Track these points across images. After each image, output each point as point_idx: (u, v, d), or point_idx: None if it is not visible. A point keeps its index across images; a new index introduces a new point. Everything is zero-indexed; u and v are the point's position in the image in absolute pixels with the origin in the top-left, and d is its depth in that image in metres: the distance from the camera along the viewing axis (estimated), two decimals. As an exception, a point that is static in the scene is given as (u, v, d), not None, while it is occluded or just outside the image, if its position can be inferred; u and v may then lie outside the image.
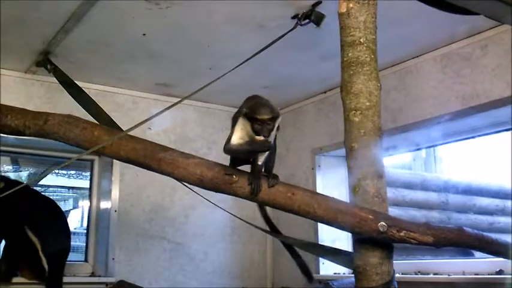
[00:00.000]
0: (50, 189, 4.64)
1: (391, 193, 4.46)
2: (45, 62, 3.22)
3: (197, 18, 2.80)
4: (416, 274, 3.30)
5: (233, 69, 2.30)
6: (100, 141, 1.97)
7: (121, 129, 2.41)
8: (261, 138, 1.83)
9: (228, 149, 1.90)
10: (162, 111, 2.10)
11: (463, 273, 3.02)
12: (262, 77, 3.65)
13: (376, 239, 1.82)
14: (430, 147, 3.65)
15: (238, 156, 1.96)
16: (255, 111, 1.84)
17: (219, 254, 4.17)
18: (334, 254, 2.43)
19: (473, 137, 3.25)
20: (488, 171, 5.02)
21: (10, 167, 4.32)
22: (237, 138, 1.89)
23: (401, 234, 1.79)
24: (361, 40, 1.95)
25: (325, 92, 3.98)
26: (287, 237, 2.47)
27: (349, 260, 1.97)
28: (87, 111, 2.86)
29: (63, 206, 4.62)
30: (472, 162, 4.93)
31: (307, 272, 2.42)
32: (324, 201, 1.86)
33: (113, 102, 3.88)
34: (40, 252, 3.12)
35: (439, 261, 3.40)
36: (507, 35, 2.81)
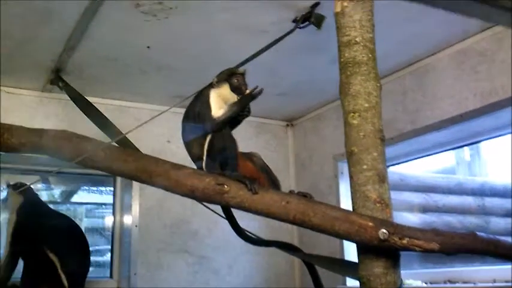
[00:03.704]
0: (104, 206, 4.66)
1: (421, 198, 4.34)
2: (57, 79, 3.23)
3: (198, 27, 2.76)
4: (445, 283, 3.14)
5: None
6: (93, 155, 1.94)
7: (135, 147, 2.39)
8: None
9: (215, 124, 1.96)
10: (146, 122, 2.10)
11: (494, 281, 2.86)
12: (276, 85, 3.58)
13: (379, 248, 1.71)
14: (453, 148, 3.49)
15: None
16: (230, 71, 2.03)
17: (244, 267, 4.08)
18: (353, 268, 2.32)
19: (497, 136, 3.09)
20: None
21: (41, 186, 4.38)
22: (218, 107, 1.99)
23: (404, 241, 1.68)
24: (357, 39, 1.87)
25: (345, 97, 3.87)
26: (300, 253, 2.38)
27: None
28: (98, 127, 2.82)
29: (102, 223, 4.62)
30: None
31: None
32: (320, 208, 1.77)
33: (132, 117, 3.86)
34: (59, 270, 3.12)
35: (471, 269, 3.24)
36: (524, 27, 2.67)
